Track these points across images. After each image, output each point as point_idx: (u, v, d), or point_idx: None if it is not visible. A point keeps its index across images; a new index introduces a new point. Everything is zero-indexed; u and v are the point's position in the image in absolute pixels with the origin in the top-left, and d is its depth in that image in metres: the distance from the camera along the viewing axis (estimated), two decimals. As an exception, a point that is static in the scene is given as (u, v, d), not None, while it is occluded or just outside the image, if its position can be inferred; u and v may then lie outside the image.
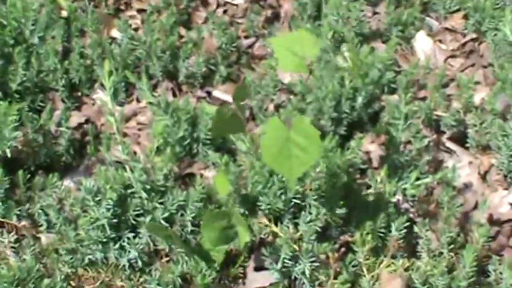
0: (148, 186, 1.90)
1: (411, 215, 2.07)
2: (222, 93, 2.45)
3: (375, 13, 2.71)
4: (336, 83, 2.21)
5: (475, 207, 2.10)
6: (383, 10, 2.63)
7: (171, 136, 2.13)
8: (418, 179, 2.02)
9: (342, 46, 1.94)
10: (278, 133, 1.64)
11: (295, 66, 1.73)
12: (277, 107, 2.33)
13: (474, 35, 2.56)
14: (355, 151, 1.99)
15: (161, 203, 1.90)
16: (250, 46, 2.65)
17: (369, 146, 2.26)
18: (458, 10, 2.66)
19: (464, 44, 2.57)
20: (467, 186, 2.15)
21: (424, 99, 2.31)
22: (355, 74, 2.14)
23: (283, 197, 1.90)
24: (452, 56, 2.55)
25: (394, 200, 2.03)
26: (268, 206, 1.89)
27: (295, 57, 1.71)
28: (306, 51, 1.72)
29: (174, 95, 2.45)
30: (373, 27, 2.62)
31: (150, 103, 2.09)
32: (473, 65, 2.49)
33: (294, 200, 1.91)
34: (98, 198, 1.83)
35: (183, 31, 2.63)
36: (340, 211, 1.89)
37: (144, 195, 1.89)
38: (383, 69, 2.29)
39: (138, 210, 1.89)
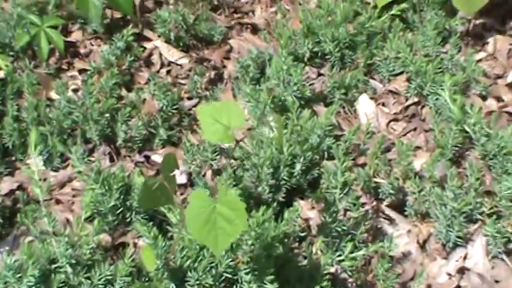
0: (74, 261, 1.84)
1: (349, 285, 2.04)
2: (161, 157, 2.41)
3: (319, 74, 2.70)
4: (274, 150, 2.17)
5: (413, 277, 2.06)
6: (327, 72, 2.62)
7: (103, 205, 2.07)
8: (355, 248, 1.99)
9: (268, 115, 1.92)
10: (203, 204, 1.63)
11: (219, 136, 1.74)
12: (216, 173, 2.30)
13: (416, 99, 2.55)
14: (292, 221, 1.96)
15: (88, 278, 1.84)
16: (194, 106, 2.62)
17: (309, 212, 2.23)
18: (401, 73, 2.65)
19: (406, 108, 2.55)
20: (405, 255, 2.12)
21: (364, 165, 2.29)
22: (280, 146, 2.12)
23: (213, 271, 1.85)
24: (394, 120, 2.53)
25: (331, 270, 2.00)
26: (197, 282, 1.83)
27: (221, 126, 1.71)
28: (232, 121, 1.73)
29: (112, 159, 2.40)
30: (317, 90, 2.60)
31: (80, 172, 2.04)
32: (415, 129, 2.48)
33: (225, 274, 1.86)
34: (19, 275, 1.77)
35: (124, 92, 2.59)
36: (273, 286, 1.84)
37: (69, 270, 1.83)
38: (323, 135, 2.27)
39: (62, 286, 1.82)
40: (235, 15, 3.06)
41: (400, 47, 2.59)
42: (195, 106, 2.62)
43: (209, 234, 1.58)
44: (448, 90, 2.35)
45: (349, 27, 2.69)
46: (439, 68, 2.56)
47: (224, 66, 2.76)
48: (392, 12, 2.71)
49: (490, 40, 2.79)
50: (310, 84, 2.63)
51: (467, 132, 2.30)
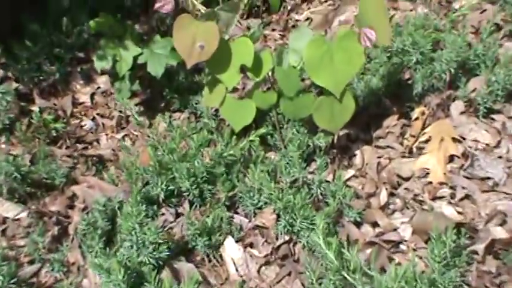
0: None
1: None
2: None
3: (177, 215, 2.41)
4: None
5: None
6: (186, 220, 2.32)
7: None
8: None
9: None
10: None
11: None
12: None
13: (287, 237, 2.30)
14: None
15: None
16: (36, 274, 2.26)
17: None
18: (269, 203, 2.40)
19: (277, 248, 2.30)
20: None
21: (239, 335, 2.02)
22: None
23: None
24: (266, 263, 2.27)
25: None
26: None
27: None
28: None
29: None
30: (177, 236, 2.31)
31: None
32: (289, 274, 2.23)
33: None
34: None
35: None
36: None
37: None
38: (188, 307, 1.98)
39: None
40: (79, 146, 2.75)
41: (263, 179, 2.34)
42: (38, 272, 2.27)
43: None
44: (321, 233, 2.11)
45: (205, 159, 2.43)
46: (309, 197, 2.33)
47: (68, 217, 2.42)
48: (251, 138, 2.48)
49: (357, 152, 2.61)
50: (169, 229, 2.34)
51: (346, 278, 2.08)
